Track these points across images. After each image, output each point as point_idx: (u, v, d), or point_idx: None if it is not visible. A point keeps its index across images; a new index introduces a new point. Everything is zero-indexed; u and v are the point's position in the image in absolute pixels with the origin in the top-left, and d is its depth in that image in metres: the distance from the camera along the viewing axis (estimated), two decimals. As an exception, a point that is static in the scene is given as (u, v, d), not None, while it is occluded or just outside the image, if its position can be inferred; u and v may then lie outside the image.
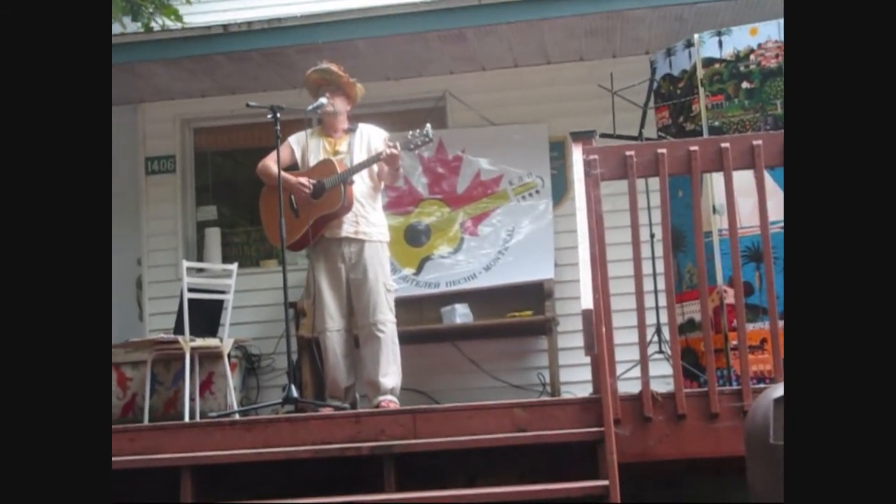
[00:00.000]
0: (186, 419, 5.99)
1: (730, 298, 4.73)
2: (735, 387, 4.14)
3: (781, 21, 5.23)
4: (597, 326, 3.70)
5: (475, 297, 6.91)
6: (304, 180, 5.33)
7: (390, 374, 5.26)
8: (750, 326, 4.52)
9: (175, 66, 7.09)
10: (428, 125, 5.35)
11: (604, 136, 5.40)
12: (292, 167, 5.50)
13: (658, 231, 4.88)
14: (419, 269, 7.08)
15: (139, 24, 6.93)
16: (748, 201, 4.29)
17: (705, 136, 5.13)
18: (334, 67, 5.48)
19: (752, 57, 5.21)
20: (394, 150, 5.23)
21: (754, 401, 3.44)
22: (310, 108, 5.43)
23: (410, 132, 5.37)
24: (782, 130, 4.81)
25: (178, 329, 6.17)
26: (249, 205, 6.84)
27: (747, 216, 4.45)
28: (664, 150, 4.06)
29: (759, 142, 4.03)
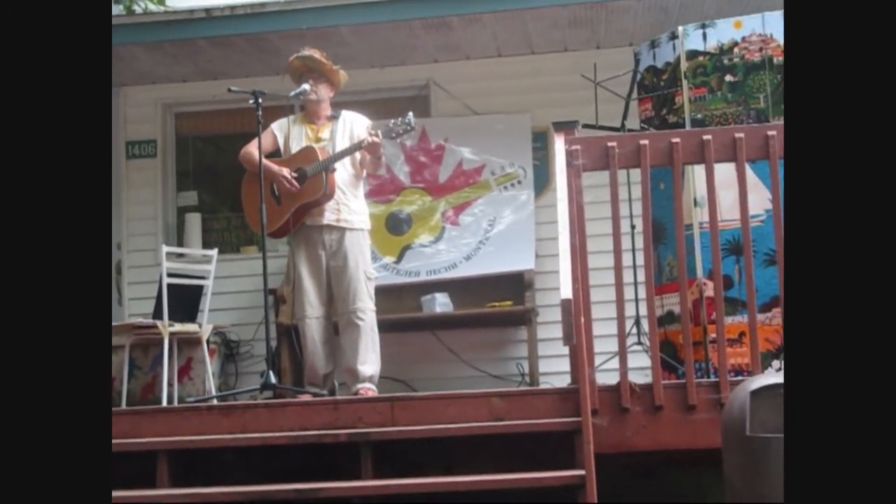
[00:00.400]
0: (164, 404, 5.97)
1: (709, 291, 4.74)
2: (713, 379, 4.16)
3: (766, 14, 5.24)
4: (576, 316, 3.70)
5: (455, 287, 6.91)
6: (287, 173, 5.29)
7: (369, 361, 5.26)
8: (728, 319, 4.54)
9: (157, 50, 7.05)
10: (410, 113, 5.33)
11: (586, 126, 5.40)
12: (275, 154, 5.47)
13: (639, 223, 4.88)
14: (400, 258, 7.07)
15: (121, 6, 6.88)
16: (729, 194, 4.30)
17: (688, 128, 5.13)
18: (317, 54, 5.45)
19: (735, 50, 5.22)
20: (375, 139, 5.21)
21: (731, 393, 3.45)
22: (292, 94, 5.41)
23: (392, 120, 5.35)
24: (764, 124, 4.84)
25: (157, 314, 6.15)
26: (230, 191, 6.81)
27: (728, 209, 4.45)
28: (646, 142, 4.06)
29: (742, 135, 4.03)
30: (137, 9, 6.86)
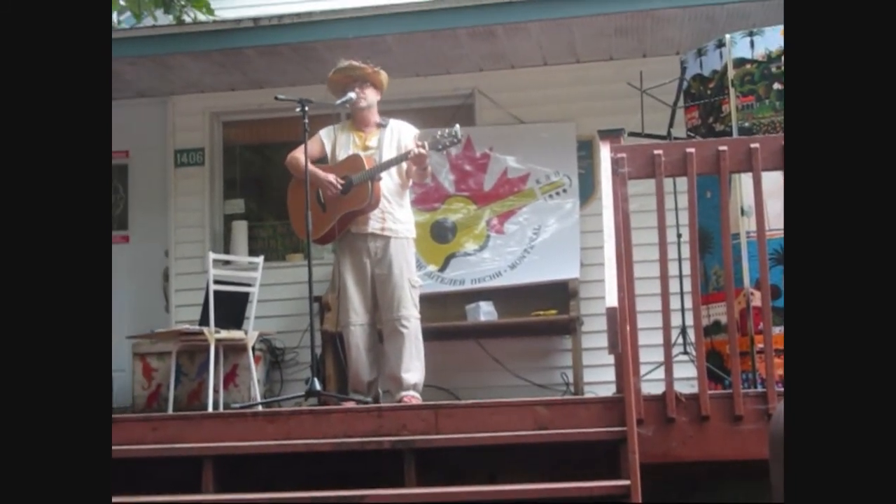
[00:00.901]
0: (210, 410, 6.01)
1: (756, 301, 4.69)
2: (760, 390, 4.11)
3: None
4: (621, 325, 3.67)
5: (500, 295, 6.91)
6: (332, 178, 5.32)
7: (413, 369, 5.26)
8: (776, 330, 4.48)
9: (205, 60, 7.14)
10: (457, 125, 5.30)
11: (632, 134, 5.37)
12: (321, 161, 5.50)
13: (685, 232, 4.85)
14: (444, 266, 7.08)
15: (171, 16, 6.98)
16: (777, 203, 4.25)
17: (735, 136, 5.09)
18: (354, 62, 5.47)
19: (783, 58, 5.16)
20: (421, 150, 5.21)
21: (779, 403, 3.41)
22: (338, 102, 5.43)
23: (439, 132, 5.33)
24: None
25: (204, 321, 6.21)
26: (277, 199, 6.87)
27: (776, 218, 4.40)
28: (693, 150, 4.03)
29: (789, 143, 3.98)
30: (187, 18, 6.95)
